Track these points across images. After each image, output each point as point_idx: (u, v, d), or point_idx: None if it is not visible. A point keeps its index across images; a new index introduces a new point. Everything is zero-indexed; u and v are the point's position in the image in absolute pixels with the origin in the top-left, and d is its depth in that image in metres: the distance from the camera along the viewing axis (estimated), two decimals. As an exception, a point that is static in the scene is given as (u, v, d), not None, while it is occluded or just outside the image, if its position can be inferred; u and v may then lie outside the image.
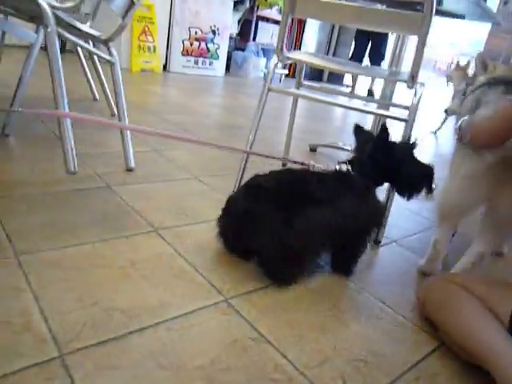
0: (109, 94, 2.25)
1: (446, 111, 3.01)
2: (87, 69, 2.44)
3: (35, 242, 0.98)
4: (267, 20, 5.73)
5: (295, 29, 6.09)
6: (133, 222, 1.16)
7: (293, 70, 6.10)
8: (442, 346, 0.88)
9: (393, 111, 1.58)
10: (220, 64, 4.91)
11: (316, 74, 6.27)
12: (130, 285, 0.90)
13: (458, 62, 3.20)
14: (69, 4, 1.32)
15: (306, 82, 1.78)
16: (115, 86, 1.57)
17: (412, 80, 1.20)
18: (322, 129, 3.10)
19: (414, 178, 1.08)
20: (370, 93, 5.10)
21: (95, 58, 2.24)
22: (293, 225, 0.92)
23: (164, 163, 1.68)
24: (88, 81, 2.48)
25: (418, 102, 1.24)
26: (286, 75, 5.69)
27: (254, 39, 5.67)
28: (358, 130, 1.14)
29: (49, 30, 1.22)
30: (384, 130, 1.04)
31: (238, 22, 5.46)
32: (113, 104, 2.26)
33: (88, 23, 2.08)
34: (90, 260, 0.96)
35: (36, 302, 0.79)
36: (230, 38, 5.33)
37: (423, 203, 1.71)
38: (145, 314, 0.82)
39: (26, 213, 1.11)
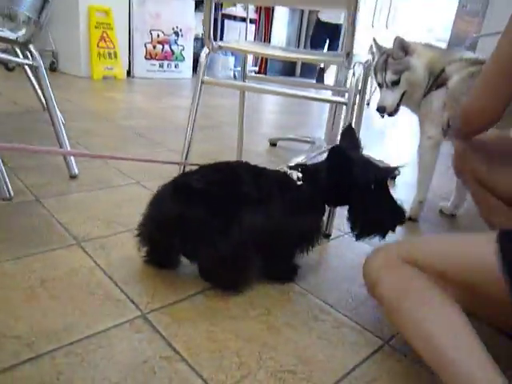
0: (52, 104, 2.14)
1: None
2: (33, 78, 2.32)
3: None
4: (234, 18, 5.64)
5: (263, 23, 6.01)
6: (55, 236, 1.06)
7: (264, 66, 6.02)
8: (386, 345, 0.80)
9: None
10: (186, 65, 4.81)
11: (288, 70, 6.20)
12: (35, 307, 0.80)
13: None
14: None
15: (258, 75, 1.69)
16: (43, 91, 1.46)
17: (347, 59, 1.12)
18: (293, 123, 3.02)
19: (374, 216, 0.91)
20: (320, 76, 5.13)
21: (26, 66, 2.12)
22: (229, 234, 0.83)
23: (109, 169, 1.58)
24: (35, 90, 2.36)
25: (357, 82, 1.16)
26: (258, 72, 5.61)
27: (222, 38, 5.58)
28: (347, 132, 0.99)
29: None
30: (348, 134, 0.95)
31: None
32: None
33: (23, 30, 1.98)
34: (-7, 282, 0.86)
35: None
36: (196, 38, 5.24)
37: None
38: (43, 340, 0.72)
39: None
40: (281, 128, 2.73)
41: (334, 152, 0.89)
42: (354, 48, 1.10)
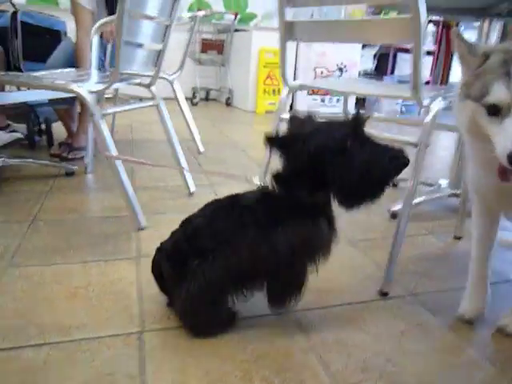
0: (194, 133, 2.47)
1: None
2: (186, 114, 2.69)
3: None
4: (406, 51, 5.42)
5: (441, 62, 5.58)
6: (125, 248, 1.23)
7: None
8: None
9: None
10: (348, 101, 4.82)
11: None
12: (69, 304, 0.95)
13: None
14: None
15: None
16: (164, 125, 1.70)
17: (414, 93, 0.99)
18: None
19: (358, 174, 0.76)
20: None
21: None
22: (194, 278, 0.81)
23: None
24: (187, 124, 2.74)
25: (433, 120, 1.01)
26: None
27: (393, 72, 5.42)
28: (293, 120, 0.86)
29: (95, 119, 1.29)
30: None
31: (374, 56, 5.32)
32: (198, 142, 2.46)
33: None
34: (57, 277, 1.05)
35: None
36: (365, 73, 5.23)
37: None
38: (55, 332, 0.85)
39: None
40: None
41: (274, 139, 0.80)
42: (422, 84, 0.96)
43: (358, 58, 4.71)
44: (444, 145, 3.24)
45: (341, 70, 4.66)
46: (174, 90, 2.41)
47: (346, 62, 4.66)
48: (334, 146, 0.76)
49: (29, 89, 2.16)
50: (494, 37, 1.53)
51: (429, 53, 5.55)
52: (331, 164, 0.77)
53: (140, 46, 1.48)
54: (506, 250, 1.34)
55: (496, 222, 0.96)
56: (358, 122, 0.79)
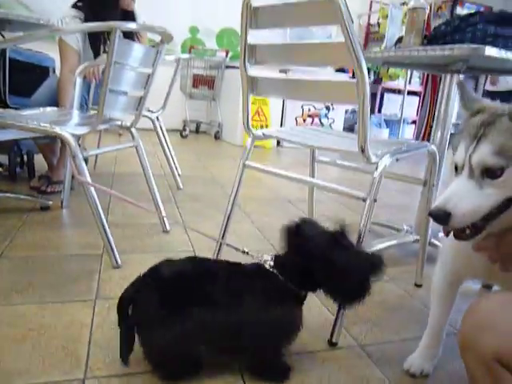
0: (174, 169, 2.52)
1: None
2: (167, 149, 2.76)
3: None
4: (394, 91, 5.59)
5: (427, 103, 5.76)
6: (84, 289, 1.25)
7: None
8: None
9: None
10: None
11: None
12: (16, 347, 0.96)
13: None
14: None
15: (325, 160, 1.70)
16: (142, 166, 1.74)
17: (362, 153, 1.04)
18: (390, 205, 2.78)
19: (345, 278, 0.87)
20: None
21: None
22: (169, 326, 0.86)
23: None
24: (167, 159, 2.80)
25: (374, 183, 1.06)
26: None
27: (380, 111, 5.57)
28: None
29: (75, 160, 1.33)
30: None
31: (361, 95, 5.47)
32: (178, 178, 2.51)
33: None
34: (12, 318, 1.07)
35: None
36: (353, 111, 5.38)
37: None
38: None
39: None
40: (385, 207, 2.54)
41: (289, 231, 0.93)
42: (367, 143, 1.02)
43: (344, 97, 4.84)
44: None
45: (327, 108, 4.80)
46: (155, 127, 2.46)
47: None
48: (321, 256, 0.88)
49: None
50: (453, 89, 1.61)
51: (415, 93, 5.73)
52: (320, 270, 0.88)
53: (123, 93, 1.55)
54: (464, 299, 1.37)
55: (460, 283, 0.97)
56: (342, 233, 0.93)
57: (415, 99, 5.73)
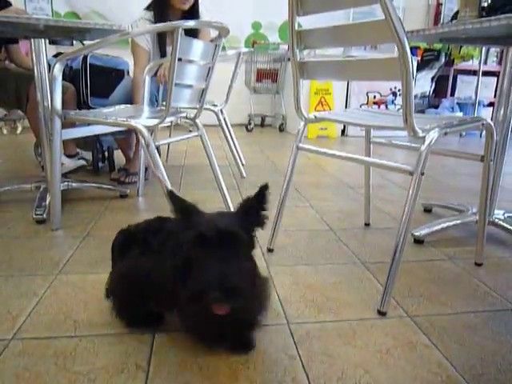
0: (238, 159, 2.65)
1: None
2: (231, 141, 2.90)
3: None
4: (468, 72, 5.27)
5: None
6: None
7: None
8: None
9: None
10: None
11: None
12: (98, 306, 1.13)
13: None
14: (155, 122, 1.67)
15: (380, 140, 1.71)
16: (207, 153, 1.89)
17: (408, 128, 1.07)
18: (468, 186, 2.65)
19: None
20: None
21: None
22: None
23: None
24: (231, 150, 2.94)
25: (423, 155, 1.08)
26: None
27: (452, 94, 5.29)
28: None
29: (149, 148, 1.48)
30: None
31: (432, 79, 5.24)
32: (241, 167, 2.64)
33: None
34: (95, 284, 1.25)
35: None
36: (423, 96, 5.18)
37: None
38: (87, 327, 1.03)
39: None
40: (449, 191, 2.45)
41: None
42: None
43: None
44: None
45: (394, 94, 4.67)
46: (219, 120, 2.61)
47: (400, 85, 4.64)
48: None
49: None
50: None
51: (492, 73, 5.36)
52: None
53: (187, 86, 1.70)
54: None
55: None
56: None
57: (492, 80, 5.35)
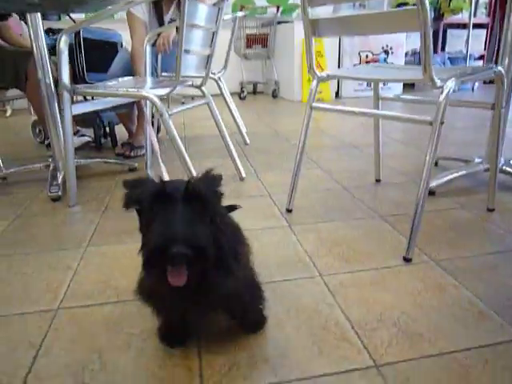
0: (240, 126, 2.65)
1: None
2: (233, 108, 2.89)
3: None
4: (457, 26, 5.24)
5: (496, 35, 5.32)
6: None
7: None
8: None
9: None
10: (395, 83, 4.77)
11: None
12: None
13: None
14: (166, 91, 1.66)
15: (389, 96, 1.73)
16: (215, 120, 1.89)
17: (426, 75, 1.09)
18: (470, 138, 2.70)
19: None
20: None
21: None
22: None
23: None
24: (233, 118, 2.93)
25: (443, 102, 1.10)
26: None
27: (443, 49, 5.27)
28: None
29: (163, 118, 1.49)
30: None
31: (422, 35, 5.20)
32: (244, 134, 2.64)
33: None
34: (126, 253, 1.28)
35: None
36: (414, 53, 5.16)
37: None
38: (129, 293, 1.06)
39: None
40: (450, 144, 2.49)
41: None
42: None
43: (403, 38, 4.65)
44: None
45: (386, 52, 4.64)
46: (219, 87, 2.59)
47: (392, 43, 4.62)
48: None
49: (93, 98, 2.46)
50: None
51: (481, 26, 5.33)
52: None
53: (194, 52, 1.67)
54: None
55: None
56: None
57: (482, 32, 5.33)
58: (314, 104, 1.46)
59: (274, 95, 4.93)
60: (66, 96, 1.55)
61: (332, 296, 1.03)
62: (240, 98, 4.85)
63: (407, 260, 1.18)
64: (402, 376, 0.78)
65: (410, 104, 3.79)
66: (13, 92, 3.89)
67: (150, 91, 1.50)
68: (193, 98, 4.09)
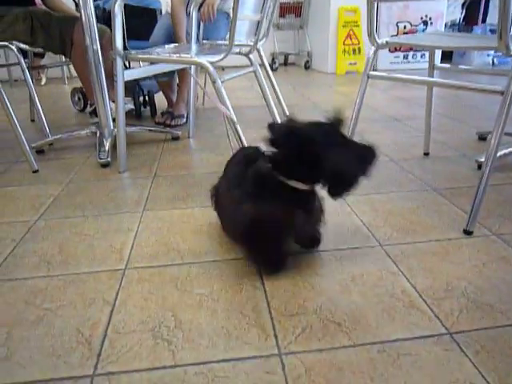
0: (280, 97, 2.61)
1: None
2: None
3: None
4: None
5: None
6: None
7: None
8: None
9: None
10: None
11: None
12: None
13: None
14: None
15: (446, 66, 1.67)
16: (261, 89, 1.87)
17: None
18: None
19: (344, 168, 0.87)
20: None
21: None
22: None
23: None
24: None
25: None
26: None
27: (484, 21, 5.03)
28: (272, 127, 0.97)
29: (216, 84, 1.50)
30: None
31: (462, 5, 4.97)
32: (284, 105, 2.61)
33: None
34: (183, 218, 1.30)
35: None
36: (453, 25, 4.96)
37: None
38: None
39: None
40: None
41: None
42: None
43: (443, 8, 4.46)
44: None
45: (425, 23, 4.47)
46: (260, 57, 2.54)
47: (431, 13, 4.45)
48: (327, 141, 0.87)
49: (129, 66, 2.45)
50: None
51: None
52: (323, 156, 0.86)
53: (245, 17, 1.64)
54: None
55: None
56: (339, 122, 0.90)
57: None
58: (372, 72, 1.43)
59: (307, 67, 4.84)
60: (119, 62, 1.55)
61: (395, 265, 1.03)
62: (272, 69, 4.76)
63: (468, 233, 1.16)
64: (476, 345, 0.78)
65: (444, 74, 3.66)
66: (48, 60, 3.94)
67: (203, 57, 1.49)
68: (223, 68, 4.05)
